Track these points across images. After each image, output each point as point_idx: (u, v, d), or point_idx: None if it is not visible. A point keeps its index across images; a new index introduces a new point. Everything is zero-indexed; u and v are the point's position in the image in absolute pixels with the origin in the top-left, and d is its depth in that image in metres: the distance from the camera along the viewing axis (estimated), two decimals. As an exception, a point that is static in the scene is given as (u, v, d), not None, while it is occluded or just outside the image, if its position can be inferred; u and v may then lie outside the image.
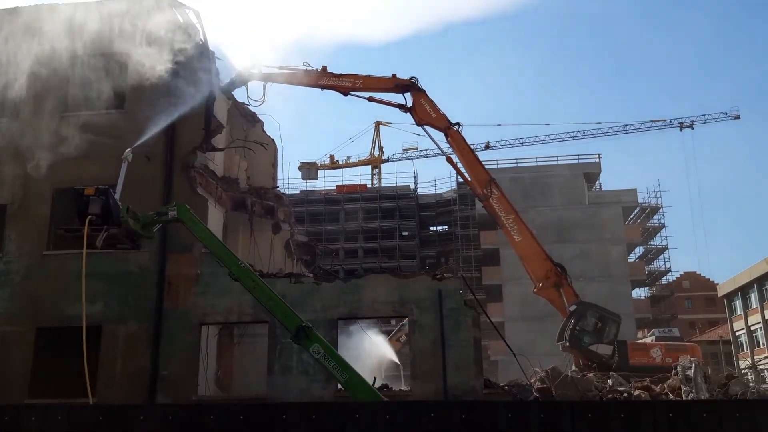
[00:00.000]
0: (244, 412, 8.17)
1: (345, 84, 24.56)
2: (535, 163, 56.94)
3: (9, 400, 15.55)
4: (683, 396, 16.66)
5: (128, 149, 13.30)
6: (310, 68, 24.31)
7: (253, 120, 23.99)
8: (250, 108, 23.48)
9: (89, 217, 11.73)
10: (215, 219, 19.81)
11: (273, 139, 24.69)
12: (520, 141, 63.92)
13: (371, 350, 25.54)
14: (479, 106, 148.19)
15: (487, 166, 47.69)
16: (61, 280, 16.91)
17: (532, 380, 17.59)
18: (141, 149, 17.41)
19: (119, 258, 17.41)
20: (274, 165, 24.97)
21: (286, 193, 53.17)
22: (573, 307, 24.38)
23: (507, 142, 64.30)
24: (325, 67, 24.44)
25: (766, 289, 51.33)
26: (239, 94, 23.31)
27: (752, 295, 53.46)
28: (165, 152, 18.32)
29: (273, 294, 12.49)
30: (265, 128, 24.50)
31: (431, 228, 64.83)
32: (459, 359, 16.32)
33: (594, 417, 8.22)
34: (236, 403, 11.33)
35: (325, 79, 24.49)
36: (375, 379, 18.13)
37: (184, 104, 16.98)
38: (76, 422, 8.41)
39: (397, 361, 28.20)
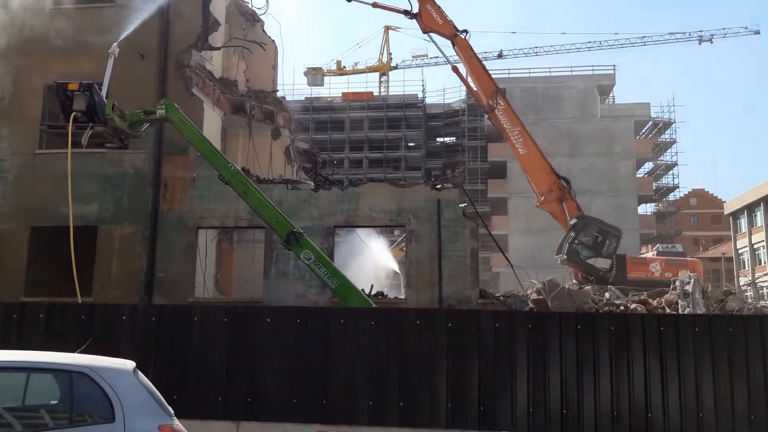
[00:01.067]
0: (226, 314, 8.05)
1: (349, -13, 23.47)
2: (548, 74, 55.33)
3: (5, 297, 15.68)
4: (680, 311, 16.60)
5: (114, 43, 12.65)
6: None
7: (254, 20, 23.05)
8: (251, 6, 22.55)
9: (73, 113, 11.27)
10: (212, 121, 19.36)
11: (273, 41, 23.83)
12: (534, 50, 61.95)
13: (372, 258, 25.60)
14: (494, 13, 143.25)
15: (498, 76, 46.54)
16: (54, 180, 16.67)
17: (529, 292, 17.54)
18: (136, 46, 16.84)
19: (114, 159, 17.14)
20: (275, 68, 24.21)
21: (291, 99, 52.40)
22: (573, 221, 24.09)
23: (521, 51, 62.48)
24: (330, -30, 23.27)
25: (773, 208, 50.94)
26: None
27: (758, 213, 53.11)
28: (159, 49, 17.68)
29: (264, 198, 12.22)
30: (266, 29, 23.64)
31: (438, 139, 63.91)
32: (455, 269, 16.25)
33: (582, 328, 8.07)
34: (221, 304, 11.24)
35: (329, -18, 23.38)
36: (372, 286, 18.23)
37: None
38: (57, 318, 8.34)
39: (397, 269, 28.33)
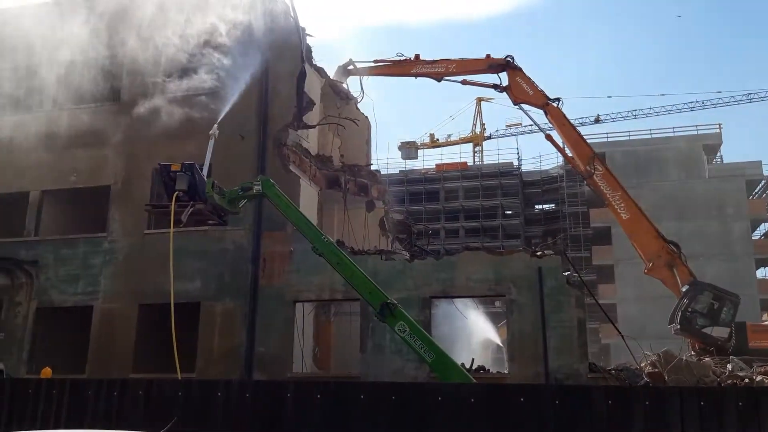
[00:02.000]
0: (320, 390, 7.81)
1: (438, 70, 24.01)
2: (649, 136, 53.62)
3: (114, 373, 16.20)
4: (817, 384, 14.88)
5: (215, 125, 13.23)
6: (403, 58, 23.90)
7: (347, 98, 23.77)
8: (344, 86, 23.31)
9: (176, 193, 11.74)
10: (309, 196, 19.77)
11: (366, 117, 24.41)
12: (633, 113, 60.53)
13: (473, 331, 24.86)
14: (589, 79, 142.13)
15: (596, 140, 45.64)
16: (161, 258, 17.30)
17: (643, 364, 16.32)
18: (236, 128, 17.61)
19: (216, 236, 17.71)
20: (368, 142, 24.73)
21: (386, 173, 53.28)
22: (686, 288, 22.53)
23: (618, 115, 61.07)
24: (418, 55, 23.97)
25: None
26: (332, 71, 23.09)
27: None
28: (258, 130, 18.41)
29: (357, 269, 12.09)
30: (359, 106, 24.29)
31: (536, 206, 62.74)
32: (561, 341, 15.40)
33: (707, 405, 7.22)
34: (315, 380, 10.99)
35: (418, 68, 24.01)
36: (473, 360, 17.56)
37: (270, 80, 16.89)
38: (155, 395, 8.37)
39: (500, 343, 27.34)
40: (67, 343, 18.42)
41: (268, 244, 17.52)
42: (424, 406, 7.76)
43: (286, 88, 18.57)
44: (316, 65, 21.06)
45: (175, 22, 17.92)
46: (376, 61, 23.32)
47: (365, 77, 22.63)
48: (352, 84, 23.10)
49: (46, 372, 13.68)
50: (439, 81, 24.07)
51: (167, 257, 16.81)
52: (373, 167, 25.84)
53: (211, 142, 12.74)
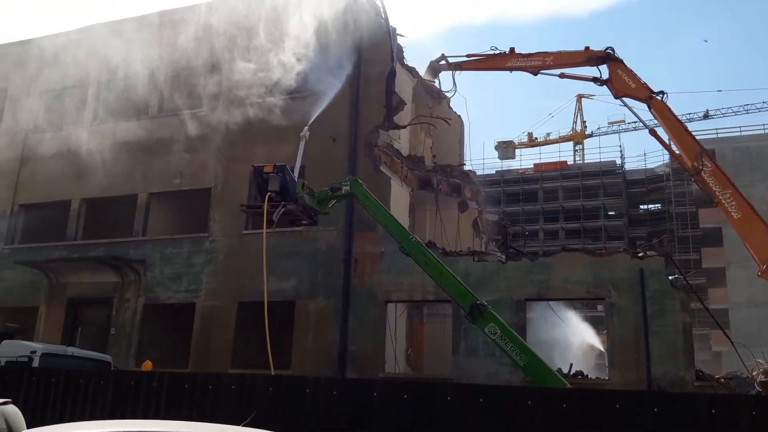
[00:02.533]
0: (406, 389, 7.71)
1: (534, 63, 23.22)
2: (762, 131, 50.15)
3: (213, 368, 16.79)
4: None
5: (306, 127, 13.45)
6: (497, 51, 23.39)
7: (439, 97, 23.55)
8: (443, 93, 23.10)
9: (268, 194, 12.01)
10: (400, 197, 19.76)
11: (459, 116, 24.14)
12: (745, 108, 56.79)
13: (572, 335, 24.07)
14: (698, 73, 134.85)
15: (705, 136, 43.23)
16: (258, 258, 17.71)
17: (755, 373, 15.18)
18: (328, 130, 17.85)
19: (309, 237, 18.02)
20: (461, 142, 24.45)
21: (482, 173, 52.61)
22: (809, 292, 20.80)
23: (729, 110, 57.47)
24: (513, 48, 23.35)
25: None
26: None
27: None
28: (349, 131, 18.59)
29: (445, 270, 11.91)
30: (451, 105, 24.05)
31: (641, 206, 60.03)
32: (665, 347, 14.61)
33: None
34: (404, 380, 10.87)
35: (513, 61, 23.34)
36: (571, 365, 16.96)
37: (362, 81, 17.00)
38: (247, 390, 8.56)
39: (602, 348, 26.29)
40: (172, 338, 19.29)
41: (359, 244, 17.65)
42: (512, 409, 7.50)
43: (377, 89, 18.65)
44: (407, 65, 21.03)
45: (268, 25, 18.40)
46: (469, 56, 22.94)
47: (458, 72, 22.31)
48: (444, 81, 22.81)
49: (147, 365, 14.36)
50: (535, 74, 23.36)
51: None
52: (466, 167, 25.53)
53: (302, 144, 12.95)
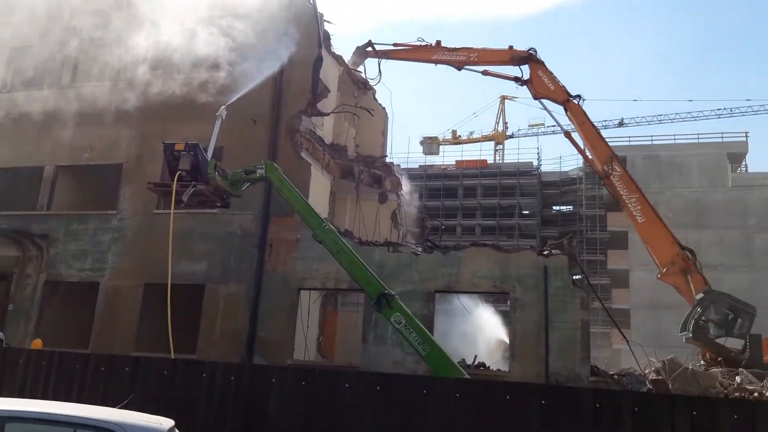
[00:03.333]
0: (303, 376, 7.70)
1: (459, 58, 23.56)
2: (672, 141, 52.78)
3: (116, 350, 16.28)
4: (827, 401, 14.50)
5: (222, 106, 13.16)
6: (423, 43, 23.55)
7: (365, 88, 23.60)
8: (368, 81, 23.10)
9: (178, 173, 11.70)
10: (321, 185, 19.70)
11: (384, 108, 24.23)
12: (658, 118, 59.54)
13: (481, 328, 24.64)
14: (614, 82, 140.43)
15: (618, 144, 45.06)
16: (168, 238, 17.34)
17: (647, 371, 16.03)
18: (249, 111, 17.56)
19: (224, 220, 17.71)
20: (385, 134, 24.55)
21: (405, 167, 53.03)
22: (700, 296, 22.10)
23: (643, 119, 60.10)
24: (440, 41, 23.61)
25: None
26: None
27: None
28: (271, 114, 18.34)
29: (356, 259, 11.97)
30: (377, 97, 24.12)
31: (554, 207, 62.16)
32: (564, 343, 15.18)
33: (699, 415, 7.00)
34: (301, 367, 10.83)
35: (439, 54, 23.60)
36: (475, 357, 17.40)
37: (286, 64, 16.77)
38: (142, 373, 8.33)
39: (507, 341, 27.03)
40: (74, 318, 18.57)
41: (275, 230, 17.49)
42: (408, 397, 7.63)
43: (302, 74, 18.46)
44: (334, 53, 20.93)
45: (192, 3, 17.88)
46: (396, 45, 23.02)
47: (384, 61, 22.34)
48: (370, 68, 22.78)
49: (37, 343, 13.79)
50: (459, 69, 23.68)
51: (175, 237, 17.00)
52: (391, 160, 25.69)
53: (218, 123, 12.68)
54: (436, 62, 23.69)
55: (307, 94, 18.52)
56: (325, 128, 20.99)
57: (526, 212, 59.56)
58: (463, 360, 16.48)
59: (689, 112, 58.54)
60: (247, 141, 17.77)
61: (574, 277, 16.29)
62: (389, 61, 23.29)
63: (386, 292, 11.51)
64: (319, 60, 18.57)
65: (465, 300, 19.83)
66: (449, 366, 10.94)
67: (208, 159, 12.04)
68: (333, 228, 12.66)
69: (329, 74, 20.23)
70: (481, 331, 24.72)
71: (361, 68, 22.63)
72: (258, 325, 16.87)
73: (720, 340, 21.76)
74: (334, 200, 21.68)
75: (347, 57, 22.17)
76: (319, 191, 19.15)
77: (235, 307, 17.09)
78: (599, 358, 44.07)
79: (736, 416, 7.00)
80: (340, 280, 16.71)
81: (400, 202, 24.09)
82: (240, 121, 17.25)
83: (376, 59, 22.70)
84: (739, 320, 22.24)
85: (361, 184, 21.63)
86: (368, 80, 22.73)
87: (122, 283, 17.97)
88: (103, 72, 19.91)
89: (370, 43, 22.66)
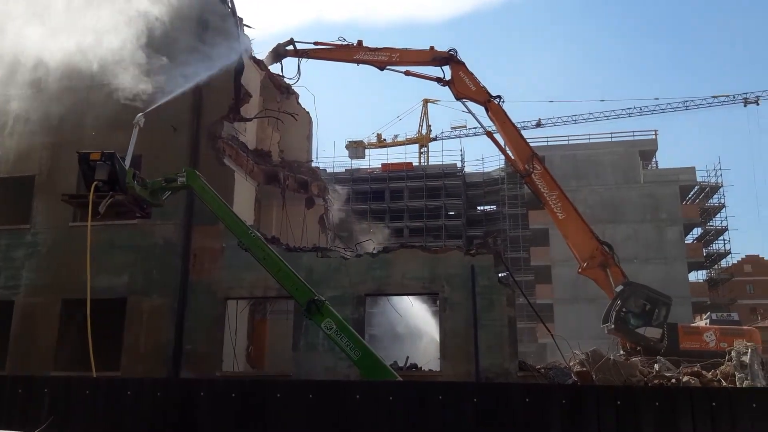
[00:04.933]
0: (233, 388, 7.53)
1: (381, 58, 23.67)
2: (587, 140, 54.85)
3: (35, 371, 15.51)
4: (737, 383, 15.37)
5: (140, 114, 12.74)
6: (345, 43, 23.50)
7: (288, 92, 23.37)
8: (286, 80, 22.90)
9: (94, 183, 11.24)
10: (246, 191, 19.38)
11: (308, 112, 24.07)
12: (573, 118, 61.69)
13: (421, 330, 24.77)
14: (531, 83, 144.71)
15: (537, 144, 46.36)
16: (86, 252, 16.63)
17: (572, 363, 16.55)
18: (168, 119, 17.09)
19: (144, 230, 17.15)
20: (309, 138, 24.37)
21: (332, 171, 52.99)
22: (620, 288, 23.04)
23: (559, 120, 62.17)
24: (361, 41, 23.65)
25: (835, 273, 48.37)
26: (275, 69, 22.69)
27: (820, 280, 50.50)
28: (191, 121, 17.92)
29: (284, 265, 11.84)
30: (301, 101, 23.94)
31: (478, 207, 63.46)
32: (492, 340, 15.45)
33: (623, 404, 7.27)
34: (232, 378, 10.57)
35: (361, 54, 23.62)
36: (407, 358, 17.49)
37: (207, 70, 16.41)
38: (62, 395, 7.95)
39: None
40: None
41: (198, 239, 17.06)
42: (341, 403, 7.58)
43: (222, 79, 18.05)
44: (255, 57, 20.64)
45: (110, 7, 17.24)
46: (316, 44, 22.90)
47: (304, 60, 22.19)
48: (289, 68, 22.66)
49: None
50: (381, 70, 23.77)
51: (92, 251, 16.33)
52: (317, 165, 25.55)
53: (135, 131, 12.28)
54: (358, 62, 23.71)
55: (228, 100, 18.19)
56: (248, 134, 20.66)
57: (452, 213, 60.55)
58: (395, 362, 16.56)
59: (602, 112, 60.94)
60: (167, 149, 17.28)
61: (499, 275, 16.63)
62: (310, 61, 23.17)
63: (316, 298, 11.42)
64: (240, 65, 18.26)
65: (401, 301, 19.93)
66: (381, 369, 10.95)
67: (126, 168, 11.61)
68: (259, 235, 12.46)
69: (251, 79, 19.94)
70: (414, 332, 24.92)
71: (277, 66, 22.34)
72: (184, 337, 16.39)
73: (640, 330, 22.76)
74: (259, 207, 21.38)
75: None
76: (243, 198, 18.83)
77: (160, 321, 16.56)
78: (526, 353, 45.20)
79: (657, 403, 7.29)
80: (269, 288, 16.45)
81: (328, 207, 23.98)
82: (159, 129, 16.74)
83: (297, 59, 22.53)
84: (657, 310, 23.33)
85: (287, 190, 21.41)
86: (288, 80, 22.47)
87: (38, 300, 17.11)
88: (12, 79, 18.91)
89: (291, 41, 22.44)
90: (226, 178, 17.52)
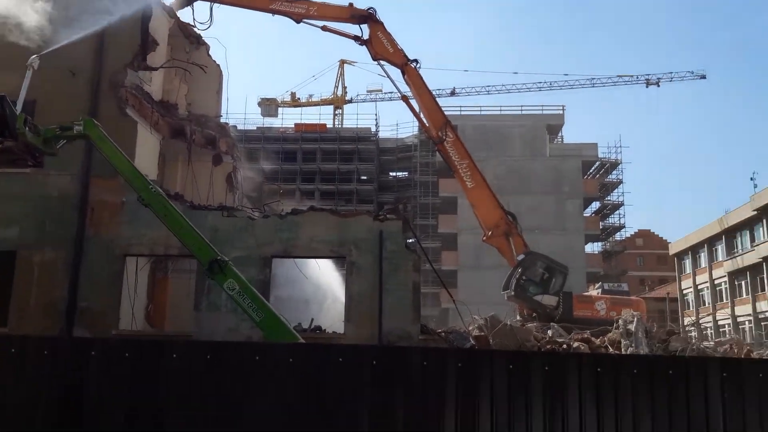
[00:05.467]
0: (127, 348, 7.27)
1: (297, 10, 23.02)
2: (499, 112, 56.04)
3: None
4: (622, 350, 16.34)
5: (34, 56, 11.87)
6: (261, -9, 22.69)
7: (198, 43, 22.43)
8: (196, 29, 21.95)
9: (-19, 128, 10.43)
10: (150, 145, 18.61)
11: (218, 65, 23.24)
12: (486, 89, 62.84)
13: (333, 293, 24.75)
14: (449, 51, 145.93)
15: (450, 112, 46.85)
16: (-29, 201, 15.62)
17: (471, 328, 17.07)
18: (67, 62, 16.08)
19: (38, 180, 16.20)
20: (219, 93, 23.56)
21: (243, 128, 51.65)
22: (521, 257, 23.90)
23: (473, 89, 63.18)
24: (278, -10, 22.85)
25: (716, 249, 52.06)
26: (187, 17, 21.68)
27: (702, 255, 54.25)
28: (92, 68, 16.91)
29: (186, 223, 11.47)
30: (211, 53, 23.05)
31: (391, 173, 63.89)
32: (396, 304, 15.69)
33: (515, 368, 7.54)
34: (125, 339, 10.18)
35: (277, 4, 22.89)
36: (312, 320, 17.52)
37: (112, 14, 15.47)
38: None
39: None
40: None
41: (97, 192, 16.26)
42: (240, 364, 7.48)
43: (127, 24, 17.08)
44: (164, 3, 19.65)
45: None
46: None
47: (216, 5, 21.28)
48: (200, 13, 21.71)
49: None
50: (298, 22, 23.17)
51: (-21, 200, 15.30)
52: (227, 121, 24.75)
53: (29, 74, 11.45)
54: (273, 12, 22.94)
55: (134, 47, 17.27)
56: (154, 85, 19.76)
57: (365, 178, 60.66)
58: (299, 324, 16.54)
59: (514, 84, 62.37)
60: (65, 95, 16.26)
61: (408, 241, 16.84)
62: (223, 8, 22.23)
63: (219, 258, 11.16)
64: (148, 10, 17.34)
65: (309, 264, 19.79)
66: (283, 331, 10.88)
67: (17, 113, 10.82)
68: (160, 190, 11.98)
69: (159, 26, 18.99)
70: (322, 295, 24.93)
71: (187, 12, 21.35)
72: (79, 294, 15.69)
73: (537, 298, 23.75)
74: (164, 161, 20.57)
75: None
76: (147, 151, 18.08)
77: (53, 276, 15.75)
78: (430, 317, 46.44)
79: (547, 368, 7.61)
80: (171, 246, 15.94)
81: (236, 165, 23.40)
82: (56, 73, 15.73)
83: (208, 3, 21.59)
84: (554, 279, 24.39)
85: (194, 145, 20.68)
86: (199, 26, 21.52)
87: None
88: None
89: None
90: (128, 129, 16.72)
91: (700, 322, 49.87)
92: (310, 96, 67.93)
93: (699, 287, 54.76)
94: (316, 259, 17.93)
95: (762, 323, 44.15)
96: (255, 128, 59.13)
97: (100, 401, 7.19)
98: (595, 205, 58.66)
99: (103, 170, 15.93)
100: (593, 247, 59.65)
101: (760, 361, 8.57)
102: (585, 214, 54.58)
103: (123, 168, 11.57)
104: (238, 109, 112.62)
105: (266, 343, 9.58)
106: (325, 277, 23.18)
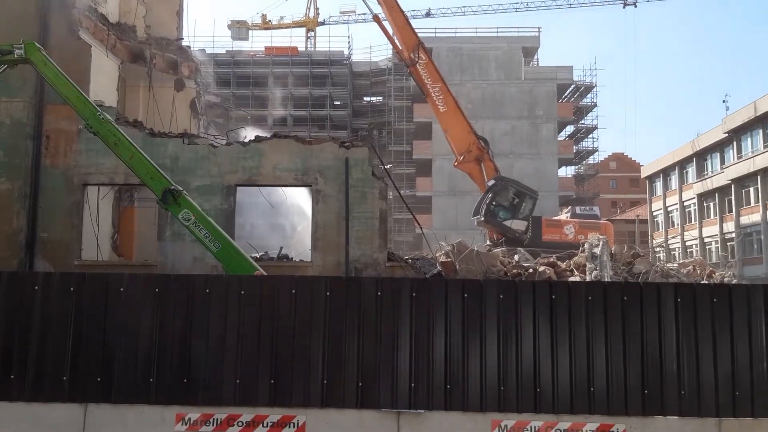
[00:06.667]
0: (72, 281, 7.08)
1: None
2: (474, 34, 54.81)
3: None
4: (587, 273, 16.53)
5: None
6: None
7: (155, -41, 21.32)
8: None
9: None
10: (107, 70, 17.91)
11: (178, -17, 22.17)
12: (462, 10, 61.31)
13: (295, 220, 24.63)
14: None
15: (425, 35, 45.72)
16: None
17: (438, 254, 17.12)
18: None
19: (-12, 108, 15.52)
20: (180, 14, 22.58)
21: (211, 52, 49.98)
22: (491, 182, 23.88)
23: (448, 10, 61.61)
24: None
25: (686, 172, 52.57)
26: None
27: (673, 177, 54.78)
28: (40, -13, 15.98)
29: (137, 152, 11.10)
30: (170, -30, 21.95)
31: (365, 98, 62.75)
32: (363, 232, 15.61)
33: (470, 295, 7.52)
34: (69, 274, 9.96)
35: None
36: (280, 249, 17.43)
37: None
38: None
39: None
40: None
41: (52, 120, 15.68)
42: (192, 298, 7.35)
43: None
44: None
45: None
46: None
47: None
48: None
49: None
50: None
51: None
52: (188, 44, 23.80)
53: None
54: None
55: (84, -36, 16.33)
56: (110, 5, 18.86)
57: (338, 103, 59.52)
58: (266, 252, 16.44)
59: (490, 5, 60.80)
60: (10, 17, 15.43)
61: (375, 167, 16.60)
62: None
63: (172, 187, 10.87)
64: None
65: (276, 192, 19.53)
66: (242, 261, 10.76)
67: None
68: (109, 117, 11.52)
69: (111, -59, 17.95)
70: (289, 224, 24.79)
71: None
72: (38, 225, 15.37)
73: (507, 223, 23.90)
74: (124, 87, 19.86)
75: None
76: (104, 77, 17.41)
77: (9, 207, 15.36)
78: (403, 243, 46.75)
79: (502, 296, 7.59)
80: (130, 175, 15.26)
81: (200, 90, 22.71)
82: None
83: None
84: (524, 204, 24.49)
85: (155, 70, 19.96)
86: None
87: None
88: None
89: None
90: (82, 53, 16.03)
91: (669, 243, 50.87)
92: (282, 18, 65.70)
93: (669, 209, 55.57)
94: (282, 188, 17.70)
95: (728, 244, 45.15)
96: (224, 52, 57.25)
97: (43, 334, 7.04)
98: (570, 129, 58.46)
99: (58, 97, 15.21)
100: (567, 171, 59.83)
101: (714, 286, 8.65)
102: (559, 138, 54.44)
103: (69, 94, 11.07)
104: (207, 32, 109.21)
105: (214, 276, 9.32)
106: (297, 205, 23.03)
